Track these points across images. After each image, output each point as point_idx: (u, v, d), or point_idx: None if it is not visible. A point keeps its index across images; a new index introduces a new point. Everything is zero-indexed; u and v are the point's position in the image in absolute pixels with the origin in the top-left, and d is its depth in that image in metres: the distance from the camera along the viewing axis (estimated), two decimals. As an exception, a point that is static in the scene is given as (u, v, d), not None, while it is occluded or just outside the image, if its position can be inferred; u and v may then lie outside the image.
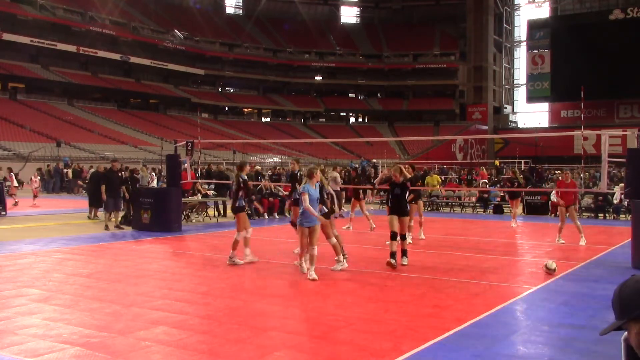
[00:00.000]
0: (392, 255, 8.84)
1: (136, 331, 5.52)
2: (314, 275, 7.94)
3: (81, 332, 5.41)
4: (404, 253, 9.28)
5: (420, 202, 13.04)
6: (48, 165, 34.20)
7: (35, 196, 21.70)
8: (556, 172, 34.79)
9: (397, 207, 9.15)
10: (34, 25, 54.38)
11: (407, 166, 12.78)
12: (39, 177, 22.51)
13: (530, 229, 15.82)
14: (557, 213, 19.04)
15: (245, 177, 9.74)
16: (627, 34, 60.12)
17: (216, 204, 18.44)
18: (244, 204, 9.52)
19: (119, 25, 61.43)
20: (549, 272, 8.57)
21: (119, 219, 15.19)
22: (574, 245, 11.73)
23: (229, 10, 78.60)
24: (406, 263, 9.15)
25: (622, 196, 16.46)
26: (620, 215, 18.66)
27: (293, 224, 10.03)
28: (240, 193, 9.43)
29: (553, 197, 19.18)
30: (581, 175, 25.48)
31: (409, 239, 11.92)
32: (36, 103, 52.32)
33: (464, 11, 74.54)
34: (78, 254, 10.49)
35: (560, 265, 9.46)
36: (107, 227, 14.40)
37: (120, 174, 15.95)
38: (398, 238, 9.09)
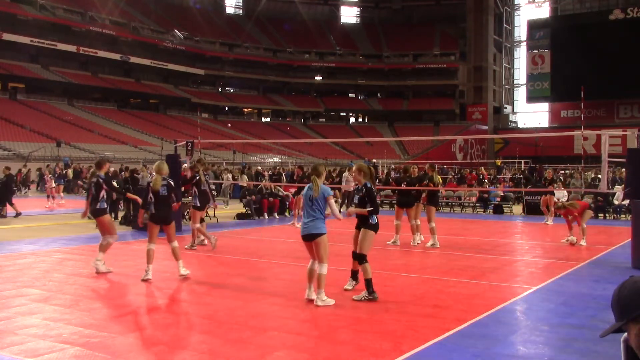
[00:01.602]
0: (353, 274, 7.40)
1: (136, 331, 5.52)
2: (329, 301, 6.60)
3: (81, 332, 5.41)
4: (353, 275, 7.42)
5: (433, 208, 11.71)
6: (48, 165, 34.20)
7: (53, 197, 21.39)
8: (562, 171, 34.52)
9: (357, 217, 7.19)
10: (34, 25, 54.36)
11: (413, 166, 12.67)
12: (51, 176, 22.16)
13: (530, 229, 15.81)
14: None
15: (104, 176, 8.66)
16: (627, 34, 60.12)
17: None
18: (105, 206, 8.69)
19: (119, 25, 61.43)
20: (572, 244, 11.55)
21: (119, 219, 15.21)
22: (575, 245, 11.73)
23: (229, 10, 78.62)
24: (351, 288, 7.30)
25: (623, 197, 16.43)
26: (621, 215, 18.67)
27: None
28: (102, 194, 8.53)
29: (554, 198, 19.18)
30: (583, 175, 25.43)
31: (416, 241, 11.88)
32: (36, 103, 52.32)
33: (464, 11, 74.54)
34: (78, 254, 10.50)
35: (560, 265, 9.48)
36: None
37: (118, 174, 15.92)
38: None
